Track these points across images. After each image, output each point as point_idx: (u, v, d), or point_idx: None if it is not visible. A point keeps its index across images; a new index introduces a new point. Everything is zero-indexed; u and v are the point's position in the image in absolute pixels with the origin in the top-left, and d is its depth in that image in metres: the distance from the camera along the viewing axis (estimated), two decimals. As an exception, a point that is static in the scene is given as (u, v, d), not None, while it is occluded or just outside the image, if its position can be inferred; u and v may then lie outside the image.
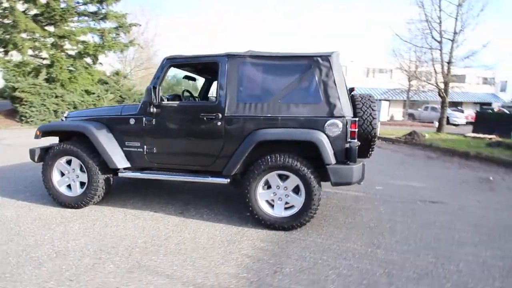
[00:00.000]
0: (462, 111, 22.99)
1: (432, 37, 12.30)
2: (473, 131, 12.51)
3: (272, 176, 2.82)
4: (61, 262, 2.23)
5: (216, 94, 2.97)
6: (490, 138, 10.78)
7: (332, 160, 2.67)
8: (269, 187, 2.88)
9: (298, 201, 2.80)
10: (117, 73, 17.83)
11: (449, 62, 12.12)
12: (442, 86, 12.54)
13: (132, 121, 3.15)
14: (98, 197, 3.25)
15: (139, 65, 22.47)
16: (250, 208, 2.86)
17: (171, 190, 4.08)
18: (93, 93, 14.92)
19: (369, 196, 4.04)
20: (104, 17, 15.52)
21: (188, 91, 3.68)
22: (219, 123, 2.91)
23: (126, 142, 3.20)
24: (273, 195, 2.87)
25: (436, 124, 18.64)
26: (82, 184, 3.28)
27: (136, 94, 17.91)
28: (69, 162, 3.29)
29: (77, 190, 3.27)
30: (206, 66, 3.41)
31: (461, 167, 6.31)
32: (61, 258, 2.29)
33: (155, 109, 3.03)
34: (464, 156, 7.40)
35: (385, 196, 4.05)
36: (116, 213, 3.23)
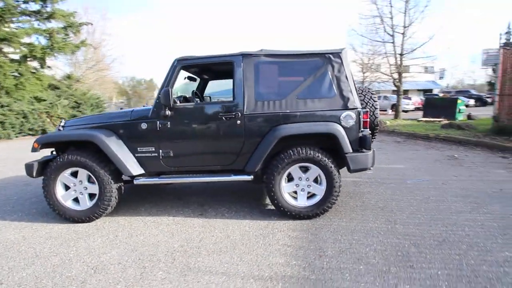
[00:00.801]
0: (410, 98, 25.37)
1: (385, 31, 13.38)
2: (424, 116, 13.94)
3: (295, 169, 2.97)
4: (104, 277, 2.13)
5: (233, 93, 3.01)
6: (440, 121, 12.18)
7: (350, 149, 2.90)
8: (290, 180, 3.02)
9: (319, 190, 2.98)
10: (68, 77, 16.40)
11: (401, 54, 13.33)
12: (396, 76, 13.75)
13: (144, 126, 3.05)
14: (111, 207, 3.10)
15: (90, 67, 20.89)
16: (276, 202, 2.97)
17: (178, 194, 4.02)
18: (44, 100, 13.59)
19: (365, 180, 4.40)
20: (50, 17, 14.16)
21: (196, 92, 3.64)
22: (238, 122, 2.97)
23: (138, 148, 3.09)
24: (295, 186, 3.02)
25: (389, 111, 20.42)
26: (91, 196, 3.10)
27: (93, 98, 16.70)
28: (74, 174, 3.08)
29: (87, 203, 3.08)
30: (218, 67, 3.41)
31: (427, 148, 7.09)
32: (102, 273, 2.19)
33: (170, 112, 2.98)
34: (426, 138, 8.30)
35: (378, 179, 4.45)
36: (134, 222, 3.12)
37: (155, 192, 4.08)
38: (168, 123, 3.01)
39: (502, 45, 8.18)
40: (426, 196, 3.66)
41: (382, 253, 2.34)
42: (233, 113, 2.96)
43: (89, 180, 3.07)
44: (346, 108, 2.95)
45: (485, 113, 15.08)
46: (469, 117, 13.18)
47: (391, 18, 13.25)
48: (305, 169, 2.99)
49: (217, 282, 2.03)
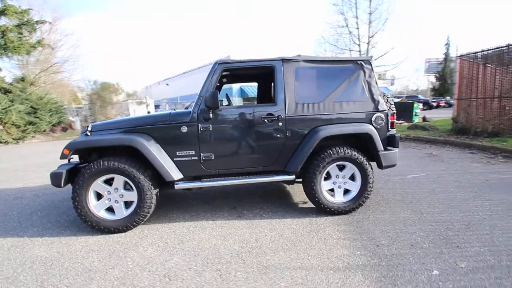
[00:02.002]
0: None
1: (352, 40, 14.45)
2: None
3: (333, 167, 3.16)
4: (183, 283, 2.08)
5: (274, 97, 3.11)
6: (400, 123, 13.45)
7: (382, 147, 3.18)
8: (326, 178, 3.20)
9: (354, 186, 3.21)
10: (22, 79, 14.79)
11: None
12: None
13: (184, 129, 3.00)
14: (149, 214, 2.98)
15: (45, 70, 19.06)
16: (316, 199, 3.12)
17: (201, 198, 3.95)
18: (-4, 105, 12.11)
19: (371, 177, 4.76)
20: (1, 13, 12.73)
21: (227, 94, 3.64)
22: (280, 124, 3.07)
23: (177, 152, 3.02)
24: (333, 184, 3.21)
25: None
26: (126, 204, 2.95)
27: (51, 103, 15.26)
28: (107, 181, 2.91)
29: (123, 212, 2.92)
30: (256, 71, 3.46)
31: (405, 147, 7.82)
32: (177, 279, 2.13)
33: (213, 115, 2.98)
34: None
35: (382, 176, 4.84)
36: (175, 228, 3.03)
37: (176, 199, 3.96)
38: (210, 126, 3.00)
39: (459, 55, 9.37)
40: (431, 188, 4.10)
41: (428, 238, 2.62)
42: (276, 116, 3.06)
43: (125, 187, 2.92)
44: (377, 110, 3.23)
45: (436, 116, 16.97)
46: (424, 119, 14.73)
47: (357, 28, 14.35)
48: (341, 167, 3.20)
49: (301, 276, 2.11)
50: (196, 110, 3.02)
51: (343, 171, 3.20)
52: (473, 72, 9.04)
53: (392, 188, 4.15)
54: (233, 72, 3.16)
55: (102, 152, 3.10)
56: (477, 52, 8.95)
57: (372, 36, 14.16)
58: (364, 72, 3.23)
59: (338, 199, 3.21)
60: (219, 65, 3.04)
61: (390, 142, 3.28)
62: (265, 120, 3.06)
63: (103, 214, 2.91)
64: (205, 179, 3.07)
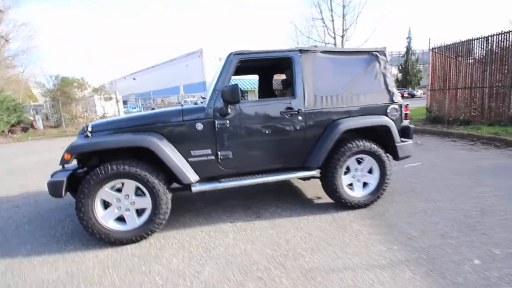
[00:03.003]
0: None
1: (328, 33, 14.65)
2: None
3: (352, 161, 3.10)
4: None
5: (293, 90, 2.96)
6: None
7: (399, 139, 3.18)
8: (346, 172, 3.14)
9: (373, 179, 3.19)
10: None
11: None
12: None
13: (199, 126, 2.75)
14: (165, 221, 2.72)
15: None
16: (338, 194, 3.05)
17: (210, 200, 3.72)
18: None
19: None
20: None
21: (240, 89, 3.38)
22: (299, 118, 2.94)
23: (192, 152, 2.77)
24: (352, 178, 3.16)
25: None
26: (138, 212, 2.66)
27: (7, 100, 13.72)
28: (116, 188, 2.59)
29: (136, 221, 2.63)
30: (273, 62, 3.25)
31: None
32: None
33: (232, 111, 2.76)
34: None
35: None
36: (195, 234, 2.80)
37: (181, 201, 3.69)
38: (228, 122, 2.79)
39: (431, 48, 9.84)
40: (432, 177, 4.23)
41: (453, 227, 2.66)
42: (296, 110, 2.92)
43: (137, 193, 2.63)
44: (392, 101, 3.21)
45: (406, 106, 17.77)
46: (396, 109, 15.49)
47: (332, 21, 14.55)
48: (359, 161, 3.15)
49: (350, 278, 2.02)
50: (212, 105, 2.78)
51: (361, 164, 3.15)
52: (445, 64, 9.58)
53: (397, 179, 4.22)
54: (245, 64, 2.95)
55: (103, 155, 2.75)
56: (449, 45, 9.48)
57: (346, 30, 14.44)
58: (379, 63, 3.19)
59: (358, 193, 3.17)
60: (234, 56, 2.82)
61: (404, 133, 3.29)
62: (285, 115, 2.91)
63: (112, 224, 2.59)
64: (223, 180, 2.86)
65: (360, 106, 3.11)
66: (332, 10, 14.41)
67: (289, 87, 3.84)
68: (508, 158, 5.10)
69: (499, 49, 7.93)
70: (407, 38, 37.07)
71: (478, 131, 7.34)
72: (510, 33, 7.57)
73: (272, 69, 4.10)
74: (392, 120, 3.19)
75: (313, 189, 3.90)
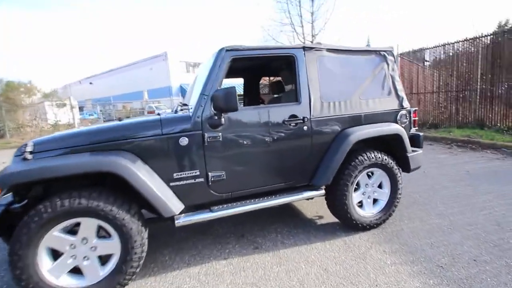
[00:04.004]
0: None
1: (298, 39, 14.58)
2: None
3: (363, 176, 2.69)
4: None
5: (296, 95, 2.47)
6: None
7: (410, 149, 2.84)
8: (355, 188, 2.72)
9: (384, 195, 2.81)
10: None
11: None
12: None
13: (184, 141, 2.14)
14: (140, 269, 2.05)
15: None
16: (349, 215, 2.62)
17: (194, 229, 3.07)
18: None
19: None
20: None
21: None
22: (305, 128, 2.46)
23: (174, 174, 2.15)
24: (362, 195, 2.74)
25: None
26: (101, 259, 1.97)
27: None
28: (70, 230, 1.88)
29: (99, 272, 1.93)
30: (271, 61, 2.72)
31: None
32: None
33: (225, 121, 2.19)
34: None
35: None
36: (180, 282, 2.15)
37: (157, 233, 3.00)
38: (220, 134, 2.21)
39: (400, 54, 10.09)
40: (430, 184, 4.01)
41: (481, 248, 2.35)
42: (302, 118, 2.43)
43: (99, 234, 1.94)
44: (401, 107, 2.88)
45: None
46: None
47: (302, 27, 14.52)
48: (369, 175, 2.76)
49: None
50: (200, 114, 2.18)
51: (371, 178, 2.76)
52: (412, 69, 9.87)
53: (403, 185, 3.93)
54: (239, 63, 2.41)
55: (50, 183, 2.02)
56: (415, 51, 9.78)
57: (315, 35, 14.49)
58: (388, 64, 2.84)
59: (369, 211, 2.77)
60: (227, 53, 2.26)
61: (414, 142, 2.97)
62: (289, 124, 2.41)
63: (66, 281, 1.87)
64: (215, 208, 2.26)
65: (369, 112, 2.72)
66: (301, 16, 14.38)
67: (281, 92, 3.37)
68: (489, 161, 5.11)
69: (456, 56, 8.34)
70: (367, 45, 39.01)
71: (450, 134, 7.51)
72: (461, 42, 8.00)
73: (261, 71, 3.59)
74: (402, 127, 2.85)
75: (310, 205, 3.44)
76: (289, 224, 2.98)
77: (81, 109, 26.14)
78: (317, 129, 2.50)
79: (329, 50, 2.60)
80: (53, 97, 15.49)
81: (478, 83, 7.78)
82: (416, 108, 3.07)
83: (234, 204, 2.31)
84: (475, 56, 7.80)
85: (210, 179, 2.23)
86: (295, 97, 2.49)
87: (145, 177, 1.96)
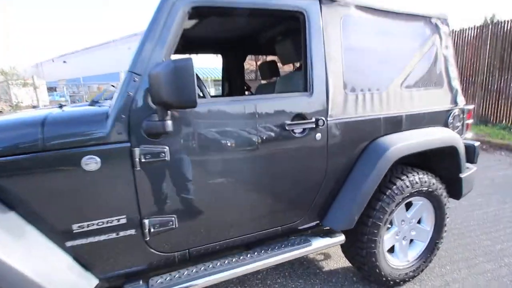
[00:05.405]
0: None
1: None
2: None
3: (400, 210, 1.75)
4: None
5: (306, 79, 1.46)
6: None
7: (466, 166, 1.93)
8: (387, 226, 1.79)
9: (425, 234, 1.90)
10: None
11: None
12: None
13: (91, 163, 1.11)
14: None
15: None
16: (378, 270, 1.70)
17: None
18: None
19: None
20: None
21: (198, 77, 1.70)
22: (318, 135, 1.47)
23: (74, 225, 1.13)
24: (396, 236, 1.82)
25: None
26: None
27: None
28: None
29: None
30: (264, 26, 1.65)
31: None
32: None
33: (175, 123, 1.17)
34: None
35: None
36: None
37: None
38: (166, 149, 1.19)
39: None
40: (457, 203, 3.18)
41: None
42: (311, 120, 1.43)
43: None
44: (455, 104, 1.93)
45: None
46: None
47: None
48: (407, 206, 1.83)
49: None
50: (127, 109, 1.14)
51: (409, 211, 1.83)
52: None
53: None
54: (209, 24, 1.35)
55: None
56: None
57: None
58: (441, 38, 1.86)
59: (403, 259, 1.85)
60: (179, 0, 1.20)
61: (467, 155, 2.04)
62: (292, 131, 1.41)
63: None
64: (157, 280, 1.26)
65: (415, 112, 1.76)
66: None
67: (278, 75, 2.34)
68: (510, 166, 4.37)
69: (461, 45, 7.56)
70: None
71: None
72: (467, 29, 7.23)
73: (248, 44, 2.49)
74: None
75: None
76: (292, 274, 2.03)
77: (54, 89, 24.01)
78: (335, 137, 1.52)
79: (359, 7, 1.58)
80: (12, 76, 13.63)
81: (485, 75, 7.02)
82: (473, 106, 2.14)
83: (193, 270, 1.31)
84: (482, 46, 7.00)
85: (147, 229, 1.22)
86: (303, 83, 1.48)
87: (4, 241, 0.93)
